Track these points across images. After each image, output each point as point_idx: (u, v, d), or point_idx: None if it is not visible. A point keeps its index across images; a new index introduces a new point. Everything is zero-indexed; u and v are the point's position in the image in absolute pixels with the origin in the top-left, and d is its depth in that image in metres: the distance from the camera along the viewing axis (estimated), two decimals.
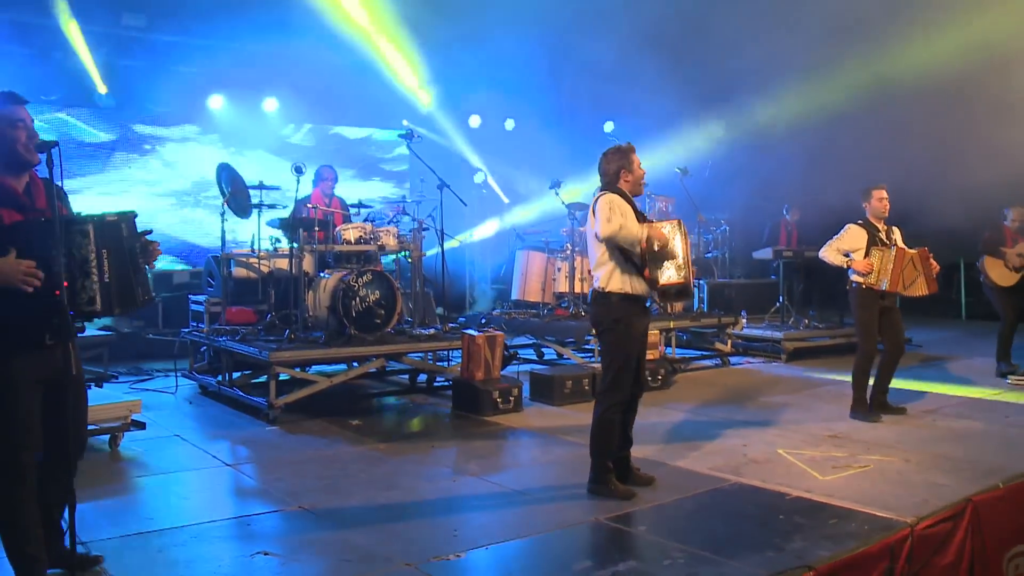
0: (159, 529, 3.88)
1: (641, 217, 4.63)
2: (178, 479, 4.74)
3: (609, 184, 4.65)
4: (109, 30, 9.73)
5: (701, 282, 11.09)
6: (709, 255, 12.13)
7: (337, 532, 3.90)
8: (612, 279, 4.53)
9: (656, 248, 4.44)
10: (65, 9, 9.15)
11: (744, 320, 9.96)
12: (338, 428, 6.09)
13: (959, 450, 5.41)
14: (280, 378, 6.37)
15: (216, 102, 10.98)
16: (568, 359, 8.42)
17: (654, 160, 11.86)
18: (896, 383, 6.77)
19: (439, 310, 11.43)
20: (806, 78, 11.02)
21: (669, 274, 4.50)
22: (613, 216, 4.37)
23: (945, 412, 6.63)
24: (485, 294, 12.90)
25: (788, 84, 11.16)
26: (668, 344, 8.77)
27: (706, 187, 12.50)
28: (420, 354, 7.33)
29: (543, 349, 9.29)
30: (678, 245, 4.51)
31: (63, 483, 3.19)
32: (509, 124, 14.47)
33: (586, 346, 8.73)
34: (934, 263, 6.43)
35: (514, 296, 9.39)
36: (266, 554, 3.58)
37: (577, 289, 8.78)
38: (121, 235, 3.23)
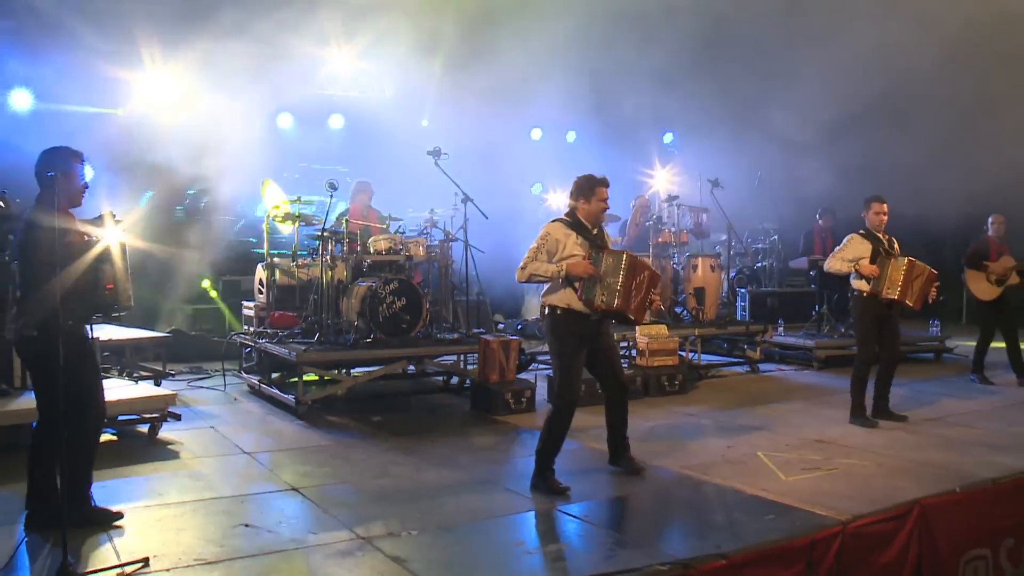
0: (166, 503, 4.48)
1: (597, 241, 4.96)
2: (198, 463, 5.36)
3: (569, 210, 5.04)
4: None
5: (743, 291, 11.26)
6: (758, 265, 12.28)
7: (315, 509, 4.42)
8: (554, 295, 4.91)
9: (584, 278, 4.79)
10: None
11: (779, 328, 10.08)
12: (359, 423, 6.64)
13: (939, 456, 5.55)
14: (310, 377, 6.99)
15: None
16: None
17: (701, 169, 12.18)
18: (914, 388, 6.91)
19: (497, 316, 11.96)
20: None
21: (602, 298, 4.81)
22: (528, 260, 4.83)
23: (949, 421, 6.71)
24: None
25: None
26: (694, 351, 9.00)
27: (753, 197, 12.65)
28: (452, 357, 7.85)
29: None
30: (617, 274, 4.81)
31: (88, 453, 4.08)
32: (570, 136, 14.91)
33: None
34: (935, 284, 6.52)
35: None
36: (246, 525, 4.12)
37: None
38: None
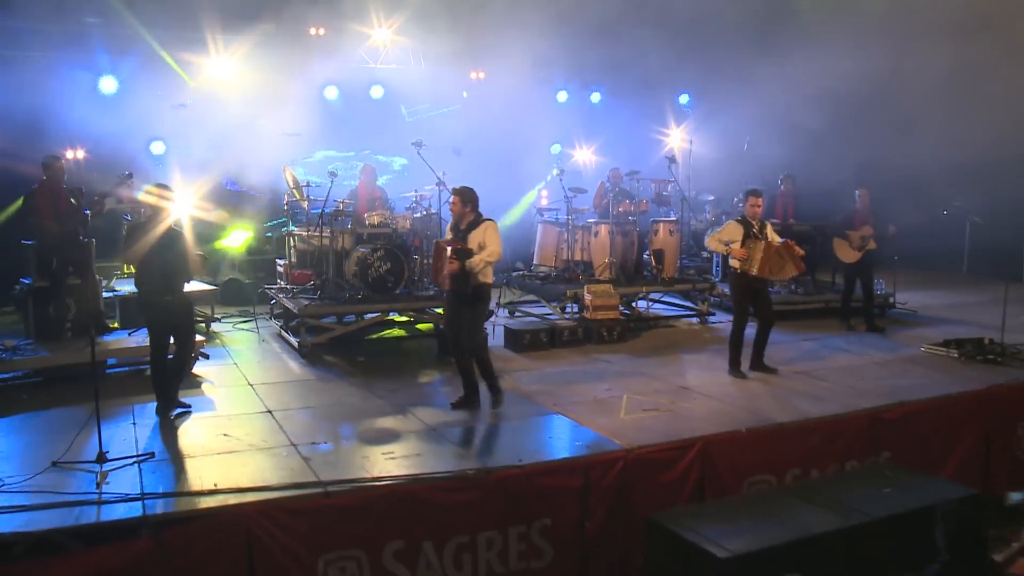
0: (177, 418, 6.61)
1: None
2: (212, 391, 7.46)
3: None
4: None
5: (714, 253, 12.61)
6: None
7: (274, 425, 6.44)
8: (486, 274, 6.71)
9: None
10: None
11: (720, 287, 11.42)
12: (345, 363, 8.66)
13: (763, 404, 7.15)
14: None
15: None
16: (551, 314, 10.50)
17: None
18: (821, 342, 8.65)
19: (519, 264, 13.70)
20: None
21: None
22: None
23: (813, 374, 8.22)
24: None
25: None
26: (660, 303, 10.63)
27: (740, 162, 13.90)
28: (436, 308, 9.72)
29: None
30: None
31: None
32: (595, 97, 16.22)
33: (570, 305, 10.62)
34: (798, 249, 7.97)
35: (534, 261, 11.51)
36: (225, 435, 6.19)
37: (576, 257, 10.79)
38: None
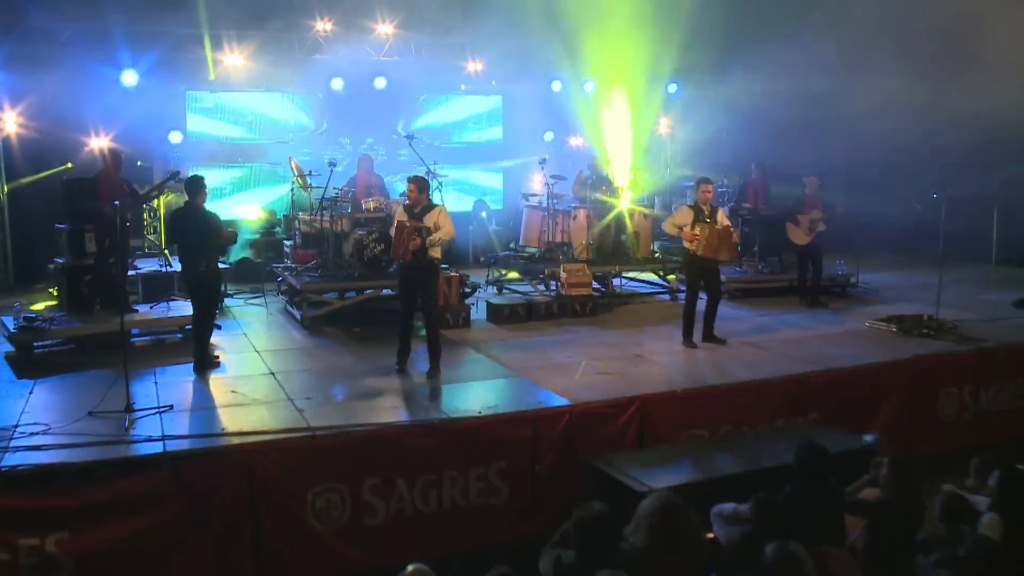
0: (193, 378, 7.70)
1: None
2: (223, 356, 8.49)
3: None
4: None
5: None
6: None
7: (275, 384, 7.50)
8: (436, 251, 7.73)
9: None
10: None
11: None
12: (342, 333, 9.70)
13: (704, 369, 8.15)
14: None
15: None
16: (532, 291, 11.49)
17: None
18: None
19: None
20: None
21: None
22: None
23: (759, 345, 9.18)
24: None
25: None
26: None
27: (719, 149, 14.80)
28: None
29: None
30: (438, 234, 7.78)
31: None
32: (589, 87, 17.05)
33: (551, 281, 11.57)
34: (734, 238, 8.94)
35: (520, 243, 12.49)
36: (233, 392, 7.26)
37: (556, 239, 11.76)
38: None
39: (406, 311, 8.07)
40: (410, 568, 3.75)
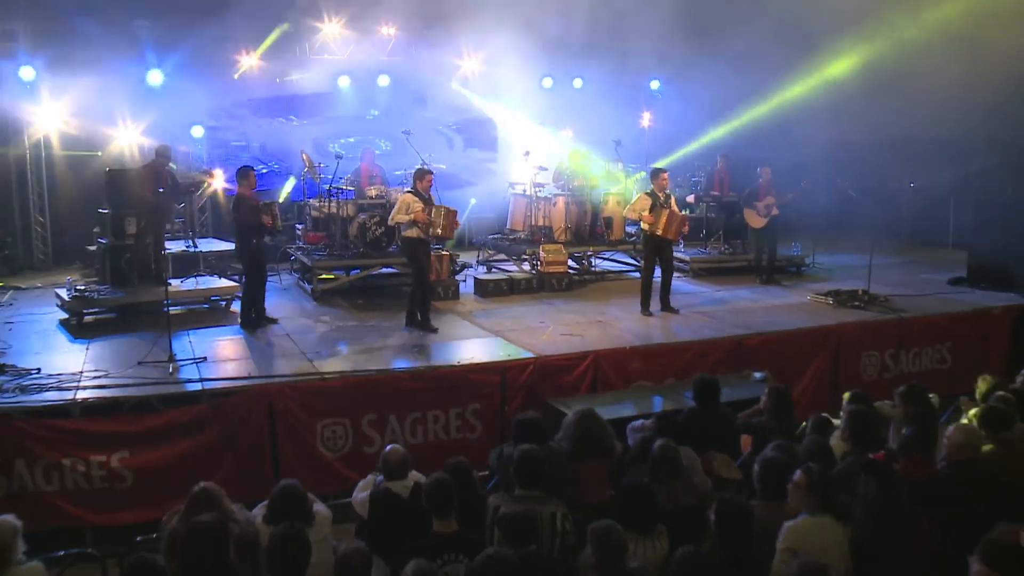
0: (223, 336, 9.15)
1: (428, 201, 9.19)
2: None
3: (412, 185, 9.24)
4: None
5: None
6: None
7: (290, 342, 8.96)
8: (409, 231, 9.14)
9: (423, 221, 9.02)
10: None
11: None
12: (347, 303, 11.13)
13: (656, 332, 9.55)
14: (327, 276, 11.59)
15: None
16: (515, 269, 12.90)
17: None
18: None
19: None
20: None
21: (431, 230, 9.05)
22: (396, 212, 9.01)
23: (706, 313, 10.57)
24: None
25: None
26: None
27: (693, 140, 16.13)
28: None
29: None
30: (439, 219, 9.02)
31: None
32: (577, 83, 18.35)
33: (532, 259, 12.92)
34: (685, 228, 10.37)
35: (507, 227, 13.89)
36: (255, 348, 8.72)
37: (538, 222, 13.15)
38: None
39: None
40: (388, 448, 5.19)
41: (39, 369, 7.86)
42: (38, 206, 14.35)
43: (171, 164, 11.33)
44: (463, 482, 4.82)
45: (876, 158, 16.21)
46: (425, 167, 10.01)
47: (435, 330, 9.42)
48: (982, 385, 7.04)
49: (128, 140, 13.99)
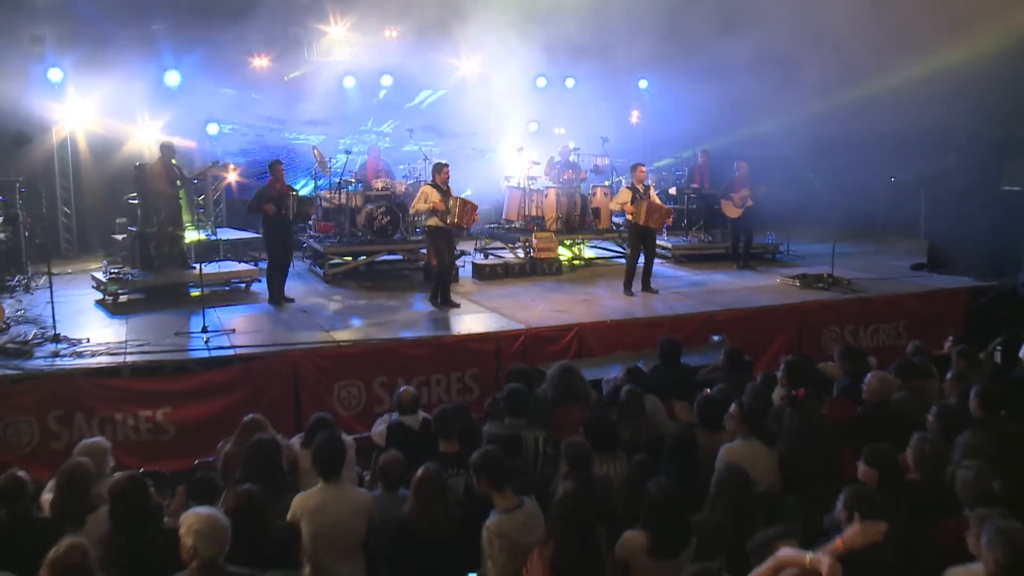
0: (248, 313, 10.22)
1: (446, 192, 10.21)
2: (264, 300, 11.04)
3: (431, 178, 10.28)
4: None
5: None
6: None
7: (308, 318, 10.02)
8: (429, 220, 10.21)
9: (442, 210, 10.07)
10: None
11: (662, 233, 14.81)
12: (357, 285, 12.20)
13: (636, 309, 10.62)
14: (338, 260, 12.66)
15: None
16: (510, 255, 13.97)
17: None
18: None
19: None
20: None
21: (448, 218, 10.08)
22: (417, 201, 10.05)
23: (682, 292, 11.65)
24: None
25: None
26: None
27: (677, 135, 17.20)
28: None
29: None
30: (455, 209, 10.07)
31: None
32: (569, 83, 19.37)
33: (526, 246, 13.98)
34: (669, 221, 11.44)
35: (503, 217, 14.95)
36: (277, 320, 9.78)
37: (531, 212, 14.22)
38: None
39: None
40: (401, 389, 6.27)
41: (88, 339, 8.92)
42: (64, 199, 15.37)
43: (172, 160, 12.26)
44: (463, 415, 5.89)
45: (851, 154, 17.30)
46: (442, 161, 11.00)
47: (457, 305, 10.51)
48: None
49: (147, 137, 14.97)
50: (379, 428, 6.32)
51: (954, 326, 12.05)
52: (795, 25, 16.13)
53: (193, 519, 3.83)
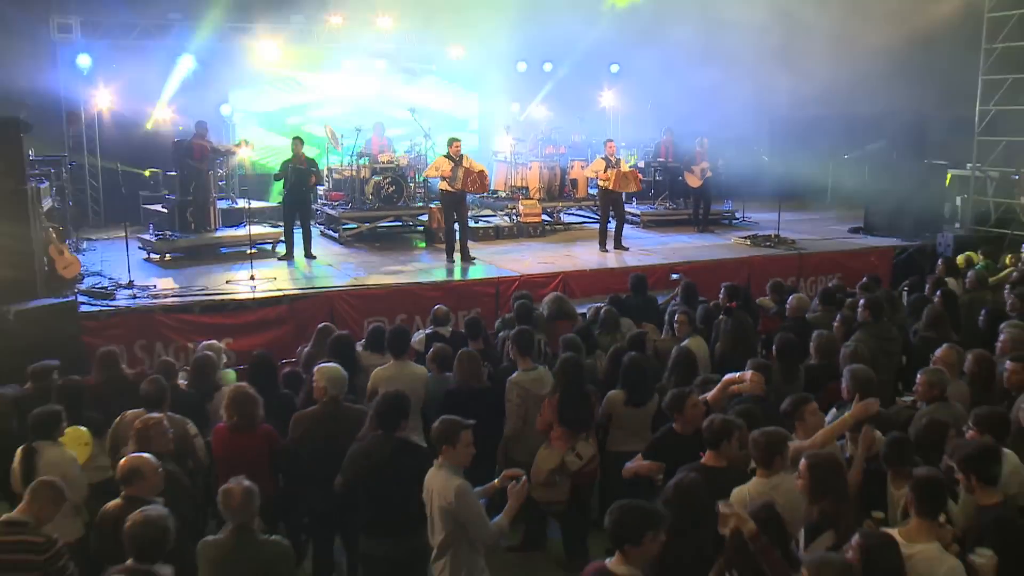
0: (271, 267, 12.04)
1: (457, 162, 12.08)
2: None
3: (446, 150, 12.15)
4: None
5: None
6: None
7: (330, 268, 11.84)
8: (441, 184, 12.07)
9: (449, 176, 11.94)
10: None
11: (632, 201, 16.76)
12: (367, 245, 14.01)
13: (609, 262, 12.55)
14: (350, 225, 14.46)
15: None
16: (499, 220, 15.84)
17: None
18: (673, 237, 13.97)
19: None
20: None
21: (455, 184, 11.94)
22: (429, 168, 11.91)
23: (652, 251, 13.60)
24: None
25: None
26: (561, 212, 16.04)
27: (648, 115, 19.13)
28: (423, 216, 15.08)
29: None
30: (461, 175, 11.93)
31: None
32: (547, 67, 21.10)
33: (512, 213, 15.86)
34: (638, 184, 13.35)
35: (492, 187, 16.78)
36: (306, 273, 11.60)
37: (517, 183, 16.09)
38: None
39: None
40: (436, 306, 8.16)
41: (155, 285, 10.68)
42: (92, 173, 16.96)
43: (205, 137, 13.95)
44: (481, 326, 7.81)
45: (800, 134, 19.38)
46: (454, 136, 12.77)
47: (472, 260, 12.35)
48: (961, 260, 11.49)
49: (165, 116, 16.60)
50: (418, 336, 8.20)
51: (882, 278, 14.20)
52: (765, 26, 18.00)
53: (325, 368, 5.69)
